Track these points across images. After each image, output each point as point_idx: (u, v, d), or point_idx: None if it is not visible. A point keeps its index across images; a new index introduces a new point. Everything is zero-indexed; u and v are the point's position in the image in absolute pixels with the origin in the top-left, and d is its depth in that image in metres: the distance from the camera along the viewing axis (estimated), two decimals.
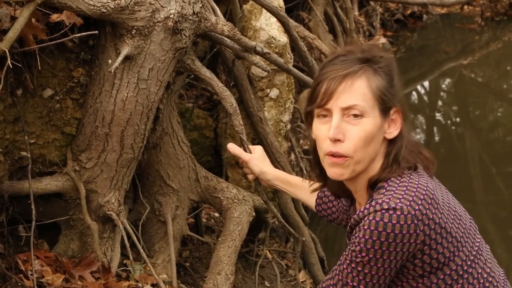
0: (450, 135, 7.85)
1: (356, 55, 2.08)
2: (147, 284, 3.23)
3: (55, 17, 2.91)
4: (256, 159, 2.78)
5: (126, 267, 3.35)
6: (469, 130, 7.80)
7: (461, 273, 2.01)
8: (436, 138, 7.89)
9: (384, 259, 1.94)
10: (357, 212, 1.99)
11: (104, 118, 3.06)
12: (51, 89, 3.09)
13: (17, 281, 2.87)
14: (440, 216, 1.97)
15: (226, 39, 3.31)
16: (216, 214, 4.28)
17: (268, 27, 4.19)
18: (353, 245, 1.97)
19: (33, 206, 2.99)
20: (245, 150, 2.91)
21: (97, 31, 2.92)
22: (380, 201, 1.95)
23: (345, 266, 2.02)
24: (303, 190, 2.69)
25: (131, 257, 3.24)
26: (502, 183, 6.43)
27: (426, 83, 9.15)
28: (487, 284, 2.06)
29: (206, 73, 3.27)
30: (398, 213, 1.91)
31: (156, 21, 2.92)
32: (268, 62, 3.63)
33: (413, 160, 2.06)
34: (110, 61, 2.97)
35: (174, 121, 3.44)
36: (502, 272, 2.18)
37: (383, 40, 8.95)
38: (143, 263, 3.32)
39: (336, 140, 2.06)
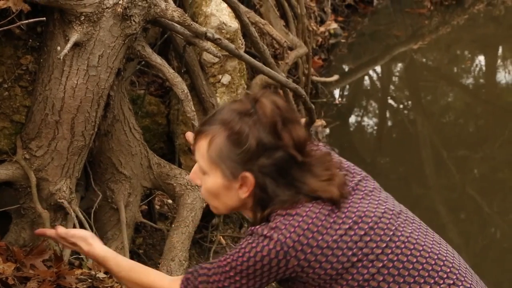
0: (402, 119, 7.94)
1: (221, 115, 2.10)
2: (100, 271, 3.22)
3: (1, 3, 2.87)
4: None
5: (79, 255, 3.33)
6: (421, 114, 7.88)
7: (361, 278, 2.04)
8: (389, 122, 7.96)
9: (249, 277, 2.04)
10: (248, 229, 2.10)
11: (54, 106, 3.03)
12: None
13: None
14: (320, 238, 2.02)
15: (177, 25, 3.30)
16: (169, 201, 4.27)
17: (219, 13, 4.19)
18: (233, 252, 2.07)
19: None
20: None
21: (45, 18, 2.89)
22: (258, 227, 2.04)
23: (223, 264, 2.09)
24: None
25: None
26: (454, 166, 6.52)
27: (378, 68, 9.22)
28: (401, 280, 2.09)
29: (157, 59, 3.26)
30: (269, 240, 2.00)
31: (105, 7, 2.90)
32: (220, 48, 3.62)
33: (294, 202, 2.07)
34: (59, 48, 2.94)
35: (125, 108, 3.42)
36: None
37: (334, 25, 8.99)
38: None
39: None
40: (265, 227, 2.03)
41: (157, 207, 4.17)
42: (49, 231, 2.37)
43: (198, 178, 2.16)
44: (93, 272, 3.19)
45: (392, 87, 9.07)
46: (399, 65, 9.56)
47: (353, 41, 9.62)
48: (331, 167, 2.13)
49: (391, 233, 2.10)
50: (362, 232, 2.06)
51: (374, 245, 2.06)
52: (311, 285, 2.08)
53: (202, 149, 2.10)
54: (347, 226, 2.05)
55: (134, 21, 2.99)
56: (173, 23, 3.28)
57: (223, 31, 4.17)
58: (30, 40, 3.08)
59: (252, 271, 2.03)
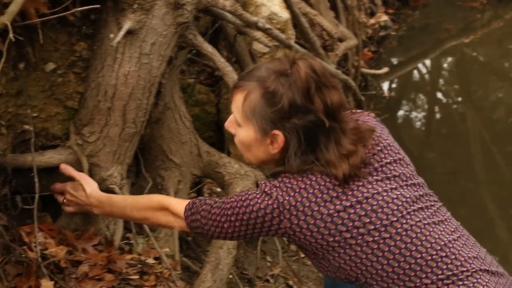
0: (451, 114, 7.86)
1: (259, 73, 2.17)
2: (149, 257, 3.26)
3: None
4: None
5: (129, 241, 3.37)
6: (471, 109, 7.79)
7: (356, 253, 2.10)
8: (437, 116, 7.89)
9: (243, 224, 2.19)
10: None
11: (106, 93, 3.07)
12: (53, 63, 3.09)
13: (21, 253, 2.89)
14: (316, 208, 2.09)
15: (228, 14, 3.31)
16: (218, 189, 4.29)
17: (270, 3, 4.19)
18: (239, 197, 2.21)
19: (36, 179, 3.00)
20: None
21: (99, 5, 2.92)
22: (264, 182, 2.17)
23: (226, 202, 2.25)
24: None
25: (133, 231, 3.27)
26: (503, 162, 6.44)
27: (428, 62, 9.13)
28: (396, 264, 2.09)
29: (208, 48, 3.27)
30: (269, 197, 2.12)
31: None
32: (270, 38, 3.63)
33: (304, 170, 2.14)
34: (112, 35, 2.97)
35: (176, 96, 3.45)
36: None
37: (384, 17, 8.92)
38: (145, 237, 3.34)
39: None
40: (269, 184, 2.14)
41: (206, 195, 4.20)
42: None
43: (233, 128, 2.28)
44: (143, 258, 3.23)
45: (441, 81, 8.98)
46: (450, 59, 9.46)
47: (403, 34, 9.53)
48: (358, 142, 2.17)
49: (395, 219, 2.11)
50: (363, 213, 2.10)
51: (372, 227, 2.09)
52: (306, 249, 2.18)
53: (238, 102, 2.20)
54: (348, 204, 2.10)
55: (186, 9, 3.01)
56: (224, 12, 3.30)
57: (273, 21, 4.18)
58: (84, 27, 3.11)
59: (247, 218, 2.15)
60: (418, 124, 7.63)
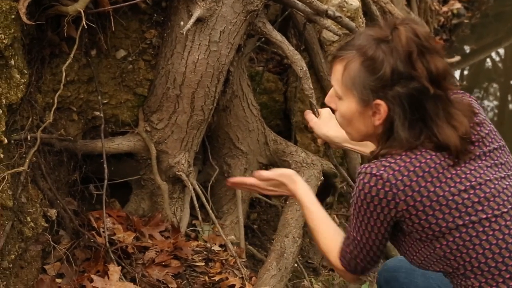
0: None
1: (358, 41, 2.09)
2: (215, 244, 3.28)
3: None
4: (321, 122, 2.77)
5: (195, 228, 3.40)
6: None
7: (468, 239, 2.00)
8: (511, 106, 7.72)
9: (368, 216, 2.05)
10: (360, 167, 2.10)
11: (175, 80, 3.09)
12: (124, 50, 3.13)
13: (90, 238, 2.94)
14: (432, 189, 1.99)
15: (298, 2, 3.29)
16: None
17: None
18: (352, 199, 2.11)
19: (105, 165, 3.05)
20: (314, 114, 2.90)
21: None
22: (368, 165, 2.04)
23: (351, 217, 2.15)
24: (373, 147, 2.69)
25: (200, 218, 3.29)
26: None
27: (501, 50, 8.92)
28: (500, 260, 2.01)
29: (277, 36, 3.26)
30: (378, 179, 2.00)
31: None
32: (340, 26, 3.59)
33: (414, 145, 2.04)
34: (182, 23, 2.98)
35: (244, 84, 3.45)
36: None
37: (458, 5, 8.75)
38: (211, 224, 3.36)
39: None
40: (375, 166, 2.02)
41: None
42: (247, 179, 2.47)
43: (333, 102, 2.20)
44: (208, 245, 3.25)
45: None
46: None
47: (476, 22, 9.33)
48: (465, 115, 2.08)
49: (505, 210, 2.03)
50: (476, 199, 2.01)
51: (484, 216, 2.01)
52: (414, 237, 2.07)
53: (337, 73, 2.12)
54: (462, 188, 2.01)
55: None
56: (294, 0, 3.27)
57: (344, 9, 4.12)
58: (155, 15, 3.13)
59: (366, 206, 2.03)
60: (490, 113, 7.48)
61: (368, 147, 2.68)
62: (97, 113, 3.13)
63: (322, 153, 4.12)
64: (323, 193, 3.89)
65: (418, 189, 1.98)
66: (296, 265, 3.35)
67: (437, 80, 2.02)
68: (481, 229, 2.00)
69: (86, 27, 2.67)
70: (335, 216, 4.13)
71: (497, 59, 8.89)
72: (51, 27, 2.83)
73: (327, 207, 4.05)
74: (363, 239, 2.10)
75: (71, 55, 2.79)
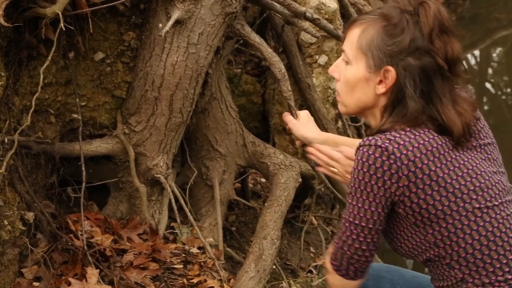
0: (499, 105, 7.74)
1: (382, 10, 2.09)
2: (193, 246, 3.27)
3: None
4: (300, 124, 2.78)
5: (173, 230, 3.39)
6: None
7: (460, 227, 2.00)
8: (486, 107, 7.77)
9: (368, 191, 2.00)
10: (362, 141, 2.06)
11: (153, 82, 3.08)
12: (102, 53, 3.12)
13: (68, 241, 2.92)
14: (433, 168, 1.98)
15: (276, 4, 3.30)
16: (263, 180, 4.29)
17: None
18: (348, 185, 2.07)
19: (83, 168, 3.03)
20: (292, 116, 2.91)
21: None
22: (372, 137, 2.01)
23: (343, 221, 2.09)
24: (353, 148, 2.68)
25: (178, 220, 3.28)
26: None
27: (477, 52, 8.99)
28: (500, 243, 2.02)
29: (256, 38, 3.26)
30: (383, 150, 1.97)
31: None
32: (318, 28, 3.60)
33: (420, 121, 2.03)
34: (160, 25, 2.98)
35: (222, 86, 3.45)
36: None
37: None
38: (190, 226, 3.36)
39: (333, 77, 2.23)
40: (380, 138, 1.99)
41: (250, 185, 4.20)
42: (333, 153, 2.43)
43: (337, 72, 2.18)
44: (187, 247, 3.24)
45: (490, 71, 8.83)
46: (499, 49, 9.30)
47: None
48: (468, 105, 2.08)
49: (496, 203, 2.05)
50: (472, 188, 2.02)
51: (477, 205, 2.01)
52: (408, 221, 2.05)
53: (353, 36, 2.11)
54: (460, 173, 2.02)
55: None
56: (272, 2, 3.29)
57: (322, 11, 4.14)
58: (133, 17, 3.12)
59: (368, 179, 1.98)
60: None
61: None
62: (75, 115, 3.12)
63: (300, 155, 4.14)
64: (301, 195, 3.90)
65: (420, 166, 1.97)
66: (274, 267, 3.36)
67: (450, 63, 2.03)
68: (473, 218, 2.00)
69: (64, 29, 2.66)
70: (313, 218, 4.14)
71: (473, 61, 8.96)
72: (29, 29, 2.82)
73: (305, 208, 4.06)
74: (361, 222, 2.03)
75: (49, 58, 2.78)
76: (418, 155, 1.97)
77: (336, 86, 2.21)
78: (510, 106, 7.64)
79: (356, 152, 2.03)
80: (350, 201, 2.05)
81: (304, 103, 4.08)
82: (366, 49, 2.07)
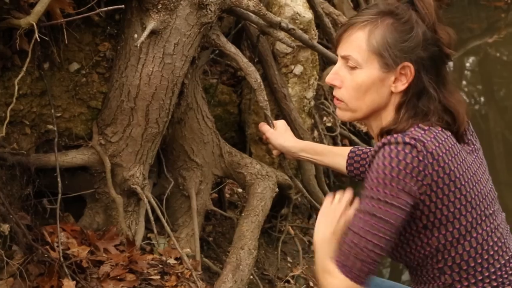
0: (473, 114, 7.78)
1: (377, 9, 2.08)
2: (170, 257, 3.26)
3: None
4: (277, 133, 2.78)
5: (150, 241, 3.38)
6: (493, 109, 7.73)
7: (463, 233, 2.00)
8: None
9: (393, 186, 1.91)
10: (374, 147, 2.00)
11: (129, 93, 3.07)
12: (77, 63, 3.11)
13: (43, 253, 2.90)
14: (452, 168, 1.96)
15: (251, 14, 3.31)
16: (240, 190, 4.29)
17: (293, 3, 4.17)
18: (369, 180, 1.96)
19: (59, 179, 3.02)
20: (269, 126, 2.92)
21: (123, 6, 2.93)
22: (395, 135, 1.96)
23: (358, 217, 1.98)
24: (330, 155, 2.68)
25: (155, 231, 3.27)
26: None
27: (450, 62, 9.06)
28: (491, 252, 2.04)
29: (231, 48, 3.27)
30: (413, 147, 1.93)
31: None
32: (293, 38, 3.62)
33: (435, 119, 2.04)
34: (136, 35, 2.97)
35: (198, 96, 3.45)
36: None
37: None
38: (167, 237, 3.35)
39: (333, 85, 2.15)
40: (407, 135, 1.95)
41: (227, 195, 4.19)
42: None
43: (338, 79, 2.12)
44: (164, 258, 3.23)
45: (464, 81, 8.91)
46: (472, 58, 9.38)
47: None
48: (460, 97, 2.12)
49: (491, 211, 2.07)
50: (477, 193, 2.03)
51: (479, 212, 2.02)
52: (416, 224, 2.01)
53: (358, 40, 2.06)
54: (469, 177, 2.02)
55: (210, 10, 3.01)
56: (248, 12, 3.29)
57: (296, 21, 4.16)
58: (108, 28, 3.12)
59: (396, 174, 1.91)
60: None
61: (325, 156, 2.70)
62: (51, 126, 3.10)
63: (277, 165, 4.14)
64: (277, 205, 3.90)
65: (443, 165, 1.95)
66: (251, 277, 3.36)
67: (452, 49, 2.07)
68: (475, 225, 2.01)
69: (38, 40, 2.65)
70: (290, 227, 4.15)
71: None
72: (3, 40, 2.80)
73: (282, 218, 4.06)
74: (385, 216, 1.92)
75: (24, 68, 2.76)
76: (441, 153, 1.96)
77: (337, 93, 2.15)
78: (484, 115, 7.69)
79: (379, 150, 1.96)
80: (372, 195, 1.94)
81: (280, 113, 4.09)
82: (379, 49, 2.03)
